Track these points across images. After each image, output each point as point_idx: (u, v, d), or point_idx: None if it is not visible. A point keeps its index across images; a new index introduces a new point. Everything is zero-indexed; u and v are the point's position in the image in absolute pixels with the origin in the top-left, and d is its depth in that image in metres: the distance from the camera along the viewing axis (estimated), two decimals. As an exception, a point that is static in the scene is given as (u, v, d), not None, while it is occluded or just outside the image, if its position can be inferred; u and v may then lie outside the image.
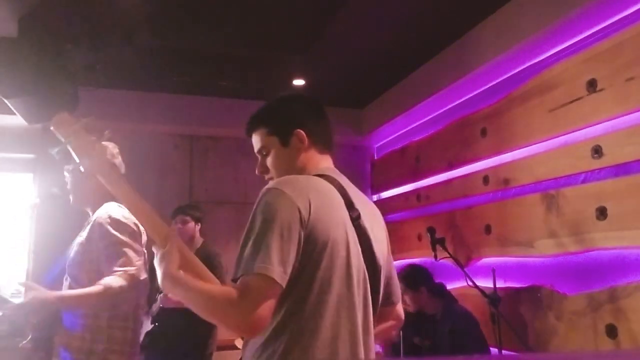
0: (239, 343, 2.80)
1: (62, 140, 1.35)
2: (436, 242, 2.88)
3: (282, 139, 1.36)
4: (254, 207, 1.18)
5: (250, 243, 1.12)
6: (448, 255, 2.83)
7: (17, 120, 3.19)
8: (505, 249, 2.99)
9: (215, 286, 1.20)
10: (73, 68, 3.00)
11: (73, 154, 1.35)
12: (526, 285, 2.83)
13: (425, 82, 3.55)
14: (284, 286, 1.10)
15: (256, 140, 1.44)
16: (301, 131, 1.35)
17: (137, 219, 1.37)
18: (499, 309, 2.63)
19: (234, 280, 1.11)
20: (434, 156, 3.77)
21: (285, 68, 3.60)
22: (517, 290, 2.87)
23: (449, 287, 3.09)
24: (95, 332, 1.91)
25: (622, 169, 2.29)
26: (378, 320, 1.33)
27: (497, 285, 2.73)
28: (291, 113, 1.39)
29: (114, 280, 1.85)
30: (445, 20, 2.98)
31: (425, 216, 3.81)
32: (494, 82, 3.15)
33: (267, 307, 1.08)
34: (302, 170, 1.34)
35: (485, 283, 2.81)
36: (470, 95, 3.38)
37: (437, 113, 3.76)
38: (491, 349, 2.75)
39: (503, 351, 2.64)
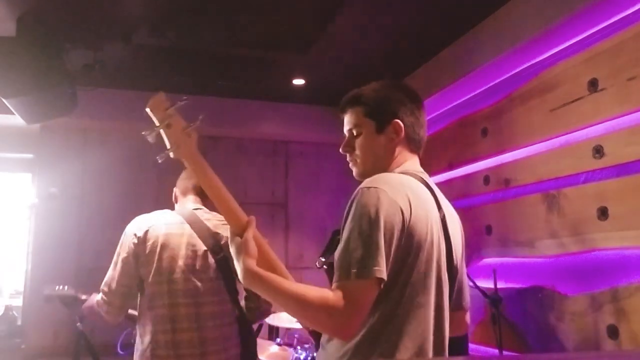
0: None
1: (157, 123, 1.27)
2: (437, 243, 2.86)
3: (378, 125, 1.32)
4: (352, 205, 1.14)
5: (357, 244, 1.08)
6: (448, 256, 2.82)
7: (15, 120, 3.18)
8: (506, 249, 2.98)
9: (309, 288, 1.12)
10: (72, 67, 2.99)
11: (165, 138, 1.28)
12: (527, 285, 2.82)
13: (425, 82, 3.54)
14: (384, 283, 1.08)
15: (349, 119, 1.38)
16: (399, 122, 1.31)
17: (218, 207, 1.30)
18: (499, 309, 2.62)
19: (339, 281, 1.07)
20: (435, 156, 3.76)
21: (285, 68, 3.58)
22: (518, 290, 2.87)
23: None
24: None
25: (623, 169, 2.28)
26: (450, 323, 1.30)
27: (498, 286, 2.72)
28: (395, 101, 1.34)
29: None
30: (445, 20, 2.97)
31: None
32: (494, 82, 3.14)
33: (366, 309, 1.07)
34: (389, 163, 1.31)
35: (486, 283, 2.80)
36: (471, 95, 3.37)
37: (437, 113, 3.76)
38: (492, 349, 2.74)
39: (504, 352, 2.64)
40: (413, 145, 1.35)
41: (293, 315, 1.14)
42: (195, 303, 1.94)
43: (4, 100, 2.83)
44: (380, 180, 1.17)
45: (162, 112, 1.27)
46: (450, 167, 3.55)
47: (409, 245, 1.13)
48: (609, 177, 2.35)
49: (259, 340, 2.84)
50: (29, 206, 3.83)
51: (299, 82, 3.82)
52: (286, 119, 4.29)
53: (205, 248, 2.01)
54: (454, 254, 1.28)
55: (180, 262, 1.98)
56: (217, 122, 4.22)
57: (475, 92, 3.32)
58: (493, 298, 2.64)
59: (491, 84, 3.17)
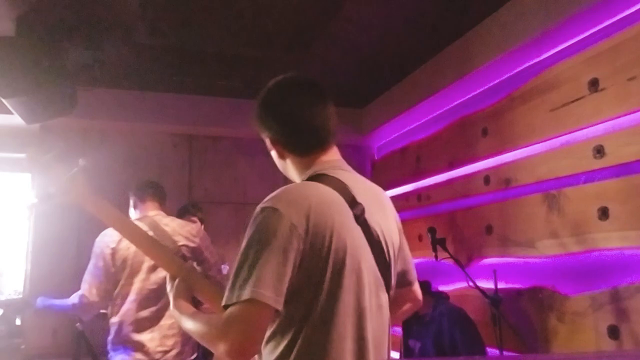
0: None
1: (42, 180, 1.29)
2: (437, 243, 2.86)
3: (266, 144, 1.41)
4: (248, 227, 1.13)
5: (242, 268, 1.07)
6: (449, 256, 2.82)
7: (15, 119, 3.17)
8: (506, 249, 2.98)
9: (209, 316, 1.19)
10: (71, 67, 2.98)
11: (52, 191, 1.29)
12: (527, 286, 2.81)
13: (425, 82, 3.54)
14: (279, 308, 1.06)
15: None
16: (267, 140, 1.38)
17: (143, 251, 1.40)
18: (500, 309, 2.62)
19: (225, 307, 1.07)
20: (435, 156, 3.76)
21: (285, 68, 3.56)
22: (518, 291, 2.86)
23: (449, 287, 3.08)
24: None
25: (624, 169, 2.27)
26: (394, 303, 1.30)
27: (498, 286, 2.71)
28: (263, 117, 1.38)
29: None
30: (445, 20, 2.96)
31: (426, 216, 3.79)
32: (495, 82, 3.13)
33: (255, 333, 1.05)
34: (295, 171, 1.33)
35: (486, 284, 2.79)
36: (471, 95, 3.37)
37: (437, 113, 3.75)
38: (492, 350, 2.74)
39: (504, 352, 2.63)
40: (305, 146, 1.30)
41: (201, 343, 1.21)
42: (157, 297, 2.36)
43: (3, 100, 2.82)
44: (276, 197, 1.15)
45: (39, 165, 1.31)
46: (451, 167, 3.55)
47: (312, 257, 1.11)
48: (609, 177, 2.34)
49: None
50: (28, 206, 3.82)
51: (298, 82, 3.81)
52: (286, 119, 4.28)
53: None
54: (383, 244, 1.24)
55: (145, 266, 2.37)
56: (217, 122, 4.22)
57: (476, 92, 3.32)
58: (493, 298, 2.63)
59: (491, 84, 3.16)
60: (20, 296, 2.53)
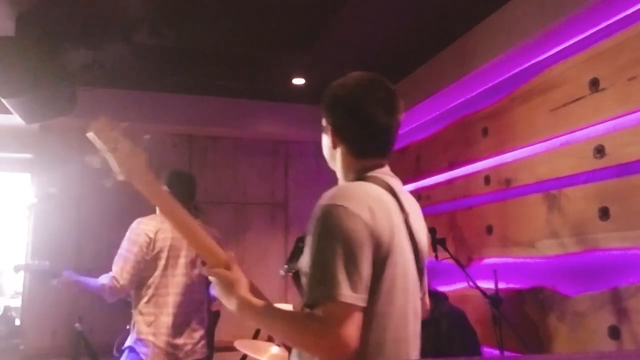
0: (238, 344, 2.78)
1: (102, 148, 1.24)
2: (437, 243, 2.85)
3: (325, 127, 1.38)
4: (315, 225, 1.14)
5: (324, 266, 1.08)
6: (449, 256, 2.81)
7: (14, 119, 3.17)
8: (506, 249, 2.98)
9: (296, 314, 1.16)
10: (71, 67, 2.98)
11: (112, 162, 1.25)
12: (528, 286, 2.81)
13: (425, 82, 3.54)
14: (364, 305, 1.08)
15: None
16: (330, 128, 1.35)
17: (182, 234, 1.32)
18: (500, 310, 2.61)
19: (309, 306, 1.08)
20: (435, 156, 3.76)
21: (285, 68, 3.58)
22: (518, 291, 2.86)
23: (449, 288, 3.07)
24: None
25: (624, 169, 2.27)
26: None
27: (499, 286, 2.71)
28: (339, 105, 1.35)
29: None
30: (445, 20, 2.96)
31: (426, 216, 3.74)
32: (495, 82, 3.13)
33: (353, 330, 1.06)
34: (342, 166, 1.32)
35: (487, 284, 2.79)
36: (472, 94, 3.37)
37: (437, 113, 3.75)
38: (492, 350, 2.73)
39: (504, 352, 2.63)
40: (367, 149, 1.31)
41: (286, 342, 1.18)
42: (189, 292, 2.47)
43: (3, 100, 2.82)
44: (341, 195, 1.16)
45: (106, 135, 1.25)
46: (451, 167, 3.54)
47: (375, 256, 1.13)
48: (610, 177, 2.34)
49: (259, 342, 2.86)
50: (28, 206, 3.82)
51: (299, 81, 3.81)
52: (286, 118, 4.28)
53: None
54: (420, 251, 1.28)
55: (182, 260, 2.49)
56: (217, 122, 4.21)
57: (476, 92, 3.32)
58: (493, 298, 2.62)
59: (491, 83, 3.16)
60: (47, 263, 2.53)
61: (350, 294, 1.05)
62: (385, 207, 1.18)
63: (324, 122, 1.35)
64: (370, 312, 1.12)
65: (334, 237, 1.09)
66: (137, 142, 1.29)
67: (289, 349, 1.29)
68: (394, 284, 1.15)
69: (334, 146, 1.32)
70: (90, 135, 1.24)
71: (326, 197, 1.16)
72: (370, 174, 1.26)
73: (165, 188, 1.32)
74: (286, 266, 1.38)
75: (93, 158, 1.24)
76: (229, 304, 1.22)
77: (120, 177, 1.24)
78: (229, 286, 1.22)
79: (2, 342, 3.71)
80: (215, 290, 1.27)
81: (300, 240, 1.37)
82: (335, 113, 1.31)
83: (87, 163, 1.24)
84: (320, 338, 1.05)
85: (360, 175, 1.26)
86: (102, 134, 1.25)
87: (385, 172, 1.31)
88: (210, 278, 1.27)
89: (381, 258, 1.13)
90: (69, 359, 3.13)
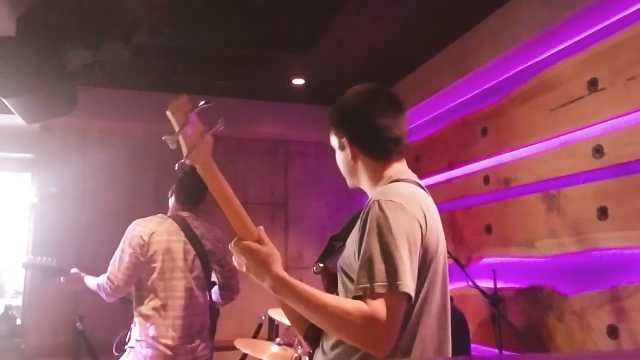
0: (238, 344, 2.79)
1: (177, 128, 1.20)
2: (437, 243, 2.86)
3: (339, 142, 1.42)
4: (370, 218, 1.14)
5: (384, 258, 1.09)
6: (449, 256, 2.81)
7: (15, 119, 3.17)
8: (506, 249, 2.98)
9: (346, 301, 1.12)
10: (71, 67, 2.99)
11: (183, 144, 1.21)
12: (527, 285, 2.81)
13: (425, 82, 3.54)
14: (413, 300, 1.11)
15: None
16: (345, 141, 1.39)
17: (227, 215, 1.29)
18: (500, 309, 2.62)
19: (358, 297, 1.09)
20: (434, 156, 3.76)
21: (285, 68, 3.58)
22: (518, 290, 2.86)
23: (449, 287, 3.07)
24: None
25: (623, 169, 2.27)
26: None
27: (498, 286, 2.72)
28: (348, 118, 1.40)
29: None
30: (445, 20, 2.96)
31: (426, 216, 3.78)
32: (494, 82, 3.13)
33: (400, 323, 1.09)
34: (364, 175, 1.37)
35: (486, 283, 2.79)
36: (471, 95, 3.37)
37: (437, 113, 3.75)
38: (492, 350, 2.74)
39: (504, 352, 2.63)
40: (385, 153, 1.34)
41: (323, 327, 1.13)
42: (189, 296, 2.46)
43: (3, 100, 2.83)
44: (395, 193, 1.19)
45: (183, 116, 1.19)
46: (450, 167, 3.55)
47: (424, 259, 1.16)
48: (609, 177, 2.34)
49: (259, 341, 2.86)
50: (28, 206, 3.83)
51: (299, 82, 3.82)
52: (286, 118, 4.29)
53: (195, 253, 2.52)
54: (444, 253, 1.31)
55: (179, 264, 2.48)
56: (217, 122, 4.21)
57: (475, 92, 3.32)
58: (493, 298, 2.63)
59: (491, 84, 3.16)
60: (55, 260, 2.63)
61: (412, 286, 1.08)
62: (432, 212, 1.23)
63: (334, 141, 1.38)
64: (409, 312, 1.14)
65: (393, 230, 1.11)
66: (210, 125, 1.25)
67: (313, 346, 1.27)
68: (435, 286, 1.19)
69: (355, 159, 1.35)
70: (168, 113, 1.19)
71: (381, 194, 1.19)
72: (403, 177, 1.30)
73: (222, 179, 1.30)
74: (322, 265, 1.37)
75: (170, 137, 1.19)
76: (262, 280, 1.18)
77: (187, 161, 1.21)
78: (263, 261, 1.18)
79: (4, 342, 3.71)
80: (245, 267, 1.22)
81: (335, 239, 1.39)
82: (349, 127, 1.35)
83: (166, 141, 1.19)
84: (371, 327, 1.04)
85: (394, 178, 1.29)
86: (179, 113, 1.19)
87: (410, 173, 1.35)
88: (237, 257, 1.23)
89: (426, 259, 1.17)
90: (70, 358, 3.13)
